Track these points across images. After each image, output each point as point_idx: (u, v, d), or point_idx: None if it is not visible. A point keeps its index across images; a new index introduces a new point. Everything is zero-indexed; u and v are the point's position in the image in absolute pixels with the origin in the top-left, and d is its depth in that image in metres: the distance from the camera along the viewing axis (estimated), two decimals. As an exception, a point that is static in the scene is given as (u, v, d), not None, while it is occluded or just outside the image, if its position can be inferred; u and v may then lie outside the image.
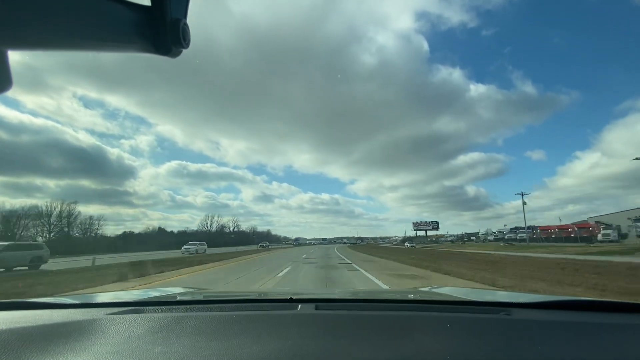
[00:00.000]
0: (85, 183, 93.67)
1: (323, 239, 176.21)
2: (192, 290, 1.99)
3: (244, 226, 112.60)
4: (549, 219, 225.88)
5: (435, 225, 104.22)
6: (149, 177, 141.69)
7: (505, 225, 79.04)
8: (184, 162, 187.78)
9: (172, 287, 2.67)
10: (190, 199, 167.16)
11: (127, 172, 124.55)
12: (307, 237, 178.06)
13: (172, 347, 0.73)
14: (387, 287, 7.92)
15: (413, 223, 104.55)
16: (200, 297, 1.58)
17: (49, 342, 0.76)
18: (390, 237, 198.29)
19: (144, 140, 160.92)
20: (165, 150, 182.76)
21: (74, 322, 0.92)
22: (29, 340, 0.78)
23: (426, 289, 2.02)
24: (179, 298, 1.55)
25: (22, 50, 0.36)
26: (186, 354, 0.69)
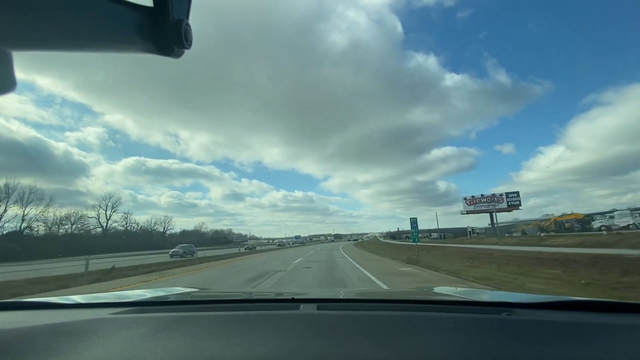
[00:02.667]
0: (29, 182, 74.67)
1: (296, 237, 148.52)
2: (194, 290, 2.00)
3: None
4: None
5: (514, 201, 48.42)
6: (104, 175, 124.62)
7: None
8: (142, 158, 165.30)
9: (175, 287, 2.41)
10: (154, 199, 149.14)
11: (78, 170, 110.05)
12: (278, 237, 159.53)
13: (175, 347, 0.74)
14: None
15: (465, 200, 52.73)
16: (202, 297, 1.59)
17: (52, 342, 0.77)
18: (367, 234, 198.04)
19: (92, 133, 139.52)
20: (118, 144, 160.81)
21: (77, 322, 0.93)
22: (33, 340, 0.78)
23: (428, 288, 2.02)
24: (181, 298, 1.57)
25: (25, 51, 0.36)
26: (188, 353, 0.70)
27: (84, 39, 0.37)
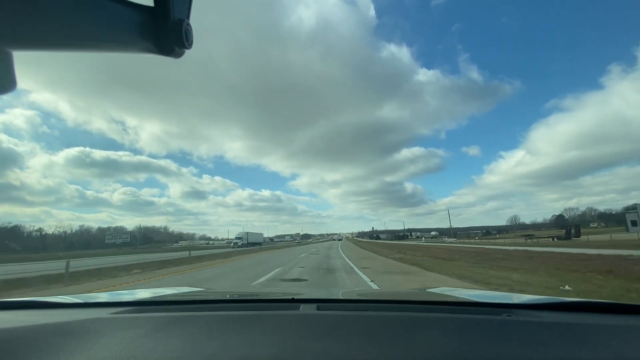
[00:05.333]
0: None
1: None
2: (195, 289, 1.97)
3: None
4: (472, 214, 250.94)
5: None
6: (41, 167, 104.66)
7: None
8: (87, 149, 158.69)
9: (175, 286, 2.41)
10: (106, 196, 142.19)
11: (7, 159, 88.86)
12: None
13: (174, 347, 0.74)
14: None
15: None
16: (202, 297, 1.58)
17: (51, 342, 0.77)
18: (336, 234, 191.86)
19: (20, 116, 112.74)
20: (54, 130, 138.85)
21: (77, 321, 0.93)
22: (32, 340, 0.79)
23: (428, 289, 1.98)
24: (181, 298, 1.55)
25: (26, 51, 0.35)
26: (188, 353, 0.71)
27: (85, 38, 0.37)
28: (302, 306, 1.12)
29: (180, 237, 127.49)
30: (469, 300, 1.31)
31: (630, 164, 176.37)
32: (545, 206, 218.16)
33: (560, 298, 1.18)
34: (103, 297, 1.55)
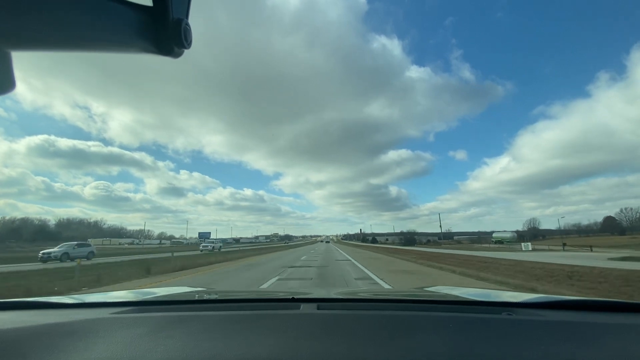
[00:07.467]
0: None
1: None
2: (195, 289, 1.97)
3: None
4: (454, 219, 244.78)
5: None
6: (0, 155, 79.84)
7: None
8: (51, 137, 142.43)
9: (176, 286, 2.45)
10: (77, 189, 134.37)
11: None
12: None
13: (175, 347, 0.75)
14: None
15: None
16: (203, 297, 1.59)
17: (53, 342, 0.78)
18: (319, 236, 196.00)
19: None
20: (10, 113, 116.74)
21: (78, 321, 0.94)
22: (34, 340, 0.80)
23: (428, 288, 1.98)
24: (182, 298, 1.57)
25: (25, 51, 0.35)
26: (189, 353, 0.71)
27: (83, 39, 0.37)
28: (302, 305, 1.12)
29: (119, 233, 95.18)
30: (469, 299, 1.31)
31: (608, 175, 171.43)
32: (524, 214, 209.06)
33: (561, 297, 1.16)
34: (104, 297, 1.54)
